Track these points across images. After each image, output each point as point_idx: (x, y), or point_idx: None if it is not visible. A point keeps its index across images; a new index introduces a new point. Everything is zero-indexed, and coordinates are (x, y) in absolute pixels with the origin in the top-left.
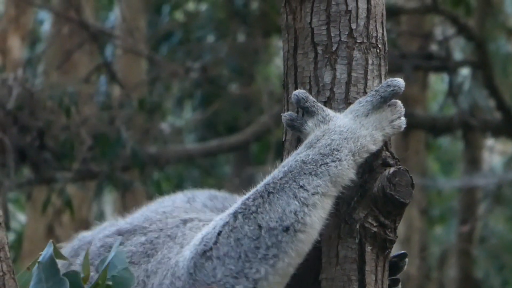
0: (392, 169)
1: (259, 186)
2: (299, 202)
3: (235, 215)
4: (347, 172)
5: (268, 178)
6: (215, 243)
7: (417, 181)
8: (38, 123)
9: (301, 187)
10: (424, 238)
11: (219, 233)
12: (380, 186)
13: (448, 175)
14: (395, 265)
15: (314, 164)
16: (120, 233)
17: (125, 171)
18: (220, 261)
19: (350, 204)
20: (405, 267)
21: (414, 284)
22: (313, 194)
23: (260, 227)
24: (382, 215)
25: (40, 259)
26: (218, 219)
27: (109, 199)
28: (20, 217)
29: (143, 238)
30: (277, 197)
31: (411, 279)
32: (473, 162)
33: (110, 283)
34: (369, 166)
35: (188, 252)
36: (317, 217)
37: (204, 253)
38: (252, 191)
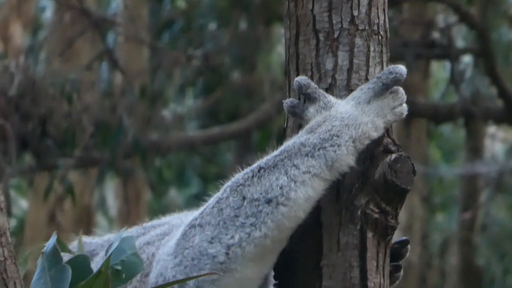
0: (393, 156)
1: (255, 163)
2: (288, 178)
3: (225, 189)
4: (346, 158)
5: (264, 157)
6: (201, 213)
7: (418, 169)
8: (40, 110)
9: (294, 165)
10: (425, 226)
11: (207, 205)
12: (381, 172)
13: (450, 163)
14: (397, 252)
15: (312, 147)
16: (145, 228)
17: (126, 158)
18: (201, 228)
19: (351, 190)
20: (408, 254)
21: (416, 272)
22: (304, 172)
23: (244, 198)
24: (383, 202)
25: (44, 249)
26: None
27: (110, 186)
28: (22, 204)
29: (165, 226)
30: (268, 172)
31: (412, 267)
32: (475, 150)
33: (119, 267)
34: (371, 153)
35: None
36: (303, 194)
37: (191, 222)
38: (248, 168)
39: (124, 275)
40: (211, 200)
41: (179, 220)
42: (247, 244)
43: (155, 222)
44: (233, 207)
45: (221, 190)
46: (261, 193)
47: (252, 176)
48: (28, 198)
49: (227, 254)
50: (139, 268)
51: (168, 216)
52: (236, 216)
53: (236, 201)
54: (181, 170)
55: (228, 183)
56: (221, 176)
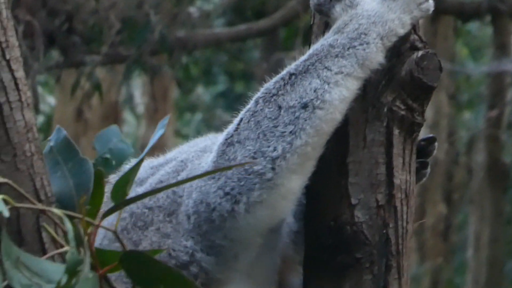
0: (420, 53)
1: (284, 71)
2: (320, 81)
3: (256, 100)
4: (375, 55)
5: (293, 63)
6: (236, 129)
7: (445, 66)
8: (67, 6)
9: (326, 67)
10: (452, 123)
11: (240, 120)
12: (408, 69)
13: (477, 61)
14: (424, 149)
15: (341, 47)
16: (153, 168)
17: (153, 55)
18: (240, 144)
19: (378, 87)
20: (435, 151)
21: (442, 169)
22: (336, 73)
23: (279, 107)
24: (409, 99)
25: (51, 143)
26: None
27: (138, 82)
28: (50, 100)
29: (173, 163)
30: (300, 78)
31: (439, 164)
32: (502, 47)
33: (107, 156)
34: (397, 50)
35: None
36: (337, 95)
37: (226, 141)
38: (276, 76)
39: (114, 162)
40: (244, 115)
41: (187, 155)
42: (291, 155)
43: (160, 159)
44: (271, 118)
45: (252, 103)
46: (296, 100)
47: (284, 84)
48: (55, 94)
49: (273, 169)
50: (127, 153)
51: (172, 152)
52: (275, 127)
53: (272, 111)
54: (207, 67)
55: (259, 95)
56: (248, 73)
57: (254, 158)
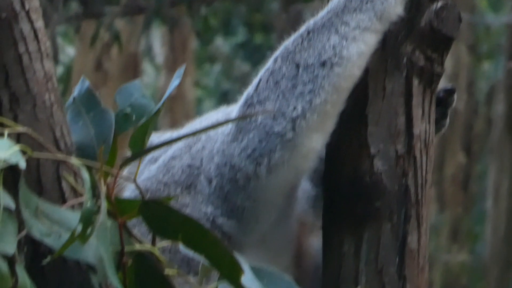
0: (440, 3)
1: (302, 27)
2: (339, 36)
3: (275, 59)
4: (394, 8)
5: (311, 19)
6: (256, 89)
7: (465, 18)
8: None
9: (344, 22)
10: (471, 74)
11: (260, 80)
12: (427, 20)
13: (497, 12)
14: (444, 100)
15: (359, 1)
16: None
17: (173, 6)
18: (260, 105)
19: (397, 38)
20: (454, 103)
21: (462, 119)
22: (354, 28)
23: (298, 66)
24: (429, 49)
25: (74, 94)
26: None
27: (157, 33)
28: (69, 51)
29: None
30: (317, 33)
31: (458, 114)
32: None
33: (128, 110)
34: (417, 0)
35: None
36: (355, 50)
37: (246, 102)
38: (295, 34)
39: (134, 117)
40: (263, 75)
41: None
42: (310, 114)
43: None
44: (289, 77)
45: (271, 61)
46: (314, 57)
47: (302, 41)
48: (75, 45)
49: (293, 129)
50: (148, 109)
51: (182, 129)
52: (294, 86)
53: (290, 70)
54: (227, 18)
55: (278, 53)
56: (267, 25)
57: (274, 118)
